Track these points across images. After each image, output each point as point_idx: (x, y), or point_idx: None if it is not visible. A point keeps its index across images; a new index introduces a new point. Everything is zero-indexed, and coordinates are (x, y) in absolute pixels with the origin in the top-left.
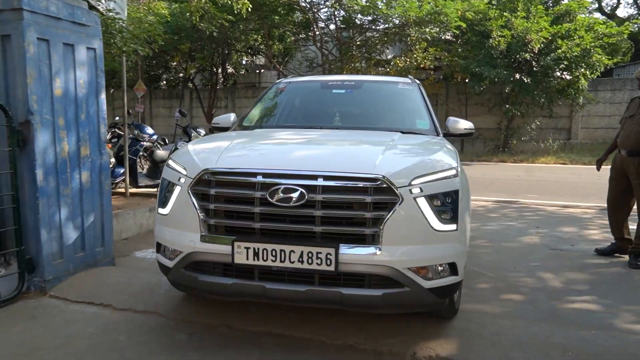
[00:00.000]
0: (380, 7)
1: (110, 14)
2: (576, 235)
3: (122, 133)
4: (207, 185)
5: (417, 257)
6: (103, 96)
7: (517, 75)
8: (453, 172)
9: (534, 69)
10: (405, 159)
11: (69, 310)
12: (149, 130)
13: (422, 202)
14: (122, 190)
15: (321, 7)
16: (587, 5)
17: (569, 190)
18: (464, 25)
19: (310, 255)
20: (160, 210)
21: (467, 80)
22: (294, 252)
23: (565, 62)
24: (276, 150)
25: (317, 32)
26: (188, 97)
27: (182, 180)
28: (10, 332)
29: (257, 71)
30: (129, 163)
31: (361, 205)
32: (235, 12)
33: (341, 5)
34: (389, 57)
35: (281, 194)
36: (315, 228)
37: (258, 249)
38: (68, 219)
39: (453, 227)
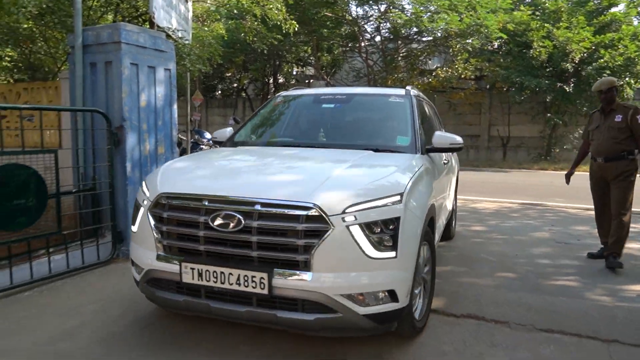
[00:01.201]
0: (423, 20)
1: (181, 40)
2: (586, 233)
3: (183, 138)
4: (162, 208)
5: (350, 284)
6: (175, 107)
7: (559, 85)
8: (396, 198)
9: (580, 78)
10: (349, 184)
11: None
12: (208, 135)
13: (356, 230)
14: None
15: (367, 20)
16: (633, 14)
17: None
18: (505, 36)
19: (246, 278)
20: (132, 228)
21: (509, 90)
22: (232, 274)
23: (608, 72)
24: (229, 174)
25: (363, 44)
26: (241, 106)
27: (145, 202)
28: (109, 282)
29: (307, 81)
30: None
31: (294, 233)
32: (284, 31)
33: (386, 18)
34: (433, 67)
35: (221, 220)
36: (252, 253)
37: (202, 270)
38: None
39: (392, 254)
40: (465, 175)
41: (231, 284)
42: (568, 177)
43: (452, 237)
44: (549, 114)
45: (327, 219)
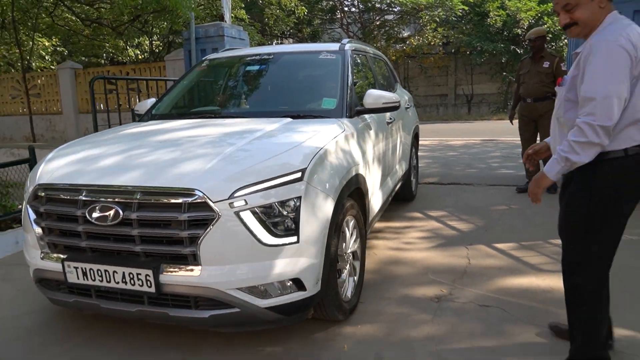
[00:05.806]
0: None
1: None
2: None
3: None
4: (40, 201)
5: (244, 277)
6: None
7: (512, 47)
8: (296, 175)
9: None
10: (241, 163)
11: None
12: None
13: (247, 216)
14: None
15: None
16: None
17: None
18: (466, 8)
19: (131, 276)
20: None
21: (471, 53)
22: (116, 272)
23: (550, 35)
24: (116, 158)
25: (342, 16)
26: None
27: (26, 194)
28: None
29: None
30: None
31: (178, 223)
32: (297, 17)
33: None
34: (406, 35)
35: (98, 212)
36: (135, 247)
37: (85, 268)
38: None
39: (292, 239)
40: (438, 126)
41: (117, 283)
42: (511, 118)
43: (413, 198)
44: (504, 73)
45: (211, 205)
